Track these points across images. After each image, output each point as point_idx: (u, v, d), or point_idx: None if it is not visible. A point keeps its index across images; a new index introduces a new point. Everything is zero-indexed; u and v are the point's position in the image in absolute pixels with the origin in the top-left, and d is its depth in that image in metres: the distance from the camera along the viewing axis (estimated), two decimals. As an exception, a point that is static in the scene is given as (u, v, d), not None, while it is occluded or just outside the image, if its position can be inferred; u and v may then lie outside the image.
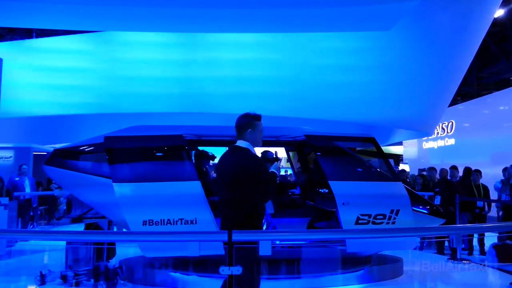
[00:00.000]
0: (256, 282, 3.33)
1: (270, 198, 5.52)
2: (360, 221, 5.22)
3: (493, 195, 9.10)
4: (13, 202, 8.34)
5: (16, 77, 11.50)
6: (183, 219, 4.93)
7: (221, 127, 6.13)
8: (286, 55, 11.28)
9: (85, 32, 11.78)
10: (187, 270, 5.38)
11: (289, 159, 7.96)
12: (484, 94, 16.91)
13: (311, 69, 11.10)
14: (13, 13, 7.70)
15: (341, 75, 10.94)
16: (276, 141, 6.50)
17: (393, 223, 5.26)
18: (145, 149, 5.49)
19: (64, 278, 5.40)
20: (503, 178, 9.09)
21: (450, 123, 15.97)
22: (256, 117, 3.51)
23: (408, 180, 10.46)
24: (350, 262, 5.68)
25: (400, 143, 20.69)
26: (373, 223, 5.24)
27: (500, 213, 8.80)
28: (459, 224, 7.59)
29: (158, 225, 4.90)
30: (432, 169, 9.78)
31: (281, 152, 8.11)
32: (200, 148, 6.69)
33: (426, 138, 16.73)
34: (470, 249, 8.03)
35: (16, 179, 9.77)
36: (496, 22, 13.46)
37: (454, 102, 15.38)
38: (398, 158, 22.24)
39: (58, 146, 6.46)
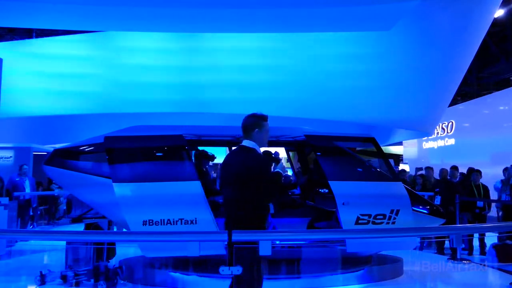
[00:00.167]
0: (257, 282, 3.33)
1: (275, 198, 5.53)
2: (360, 221, 5.22)
3: (493, 195, 9.10)
4: (13, 202, 8.34)
5: (16, 77, 11.50)
6: (183, 219, 4.93)
7: (221, 127, 6.13)
8: (286, 57, 11.28)
9: (85, 32, 11.77)
10: (187, 270, 5.38)
11: (289, 159, 7.97)
12: (484, 94, 16.90)
13: (311, 70, 11.10)
14: (13, 13, 7.70)
15: (341, 75, 10.94)
16: (276, 141, 6.50)
17: (393, 223, 5.26)
18: (145, 149, 5.49)
19: (64, 278, 5.40)
20: (503, 178, 9.09)
21: (450, 123, 15.97)
22: (263, 117, 3.55)
23: (407, 180, 10.45)
24: (350, 262, 5.68)
25: (400, 143, 20.68)
26: (373, 223, 5.24)
27: (500, 213, 8.80)
28: (459, 224, 7.60)
29: (158, 225, 4.90)
30: (429, 169, 9.78)
31: (281, 152, 8.12)
32: (200, 148, 6.69)
33: (426, 138, 16.72)
34: (470, 249, 8.04)
35: (17, 179, 9.77)
36: (496, 22, 13.45)
37: (454, 102, 15.38)
38: (398, 158, 22.23)
39: (58, 146, 6.45)
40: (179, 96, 11.34)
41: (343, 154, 5.91)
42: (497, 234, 7.93)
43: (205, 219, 4.95)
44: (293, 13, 7.87)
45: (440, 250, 8.09)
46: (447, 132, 16.17)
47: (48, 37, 13.28)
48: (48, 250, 7.39)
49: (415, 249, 7.77)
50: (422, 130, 12.39)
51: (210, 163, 6.90)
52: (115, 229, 6.50)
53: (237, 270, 2.91)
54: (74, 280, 5.39)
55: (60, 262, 5.90)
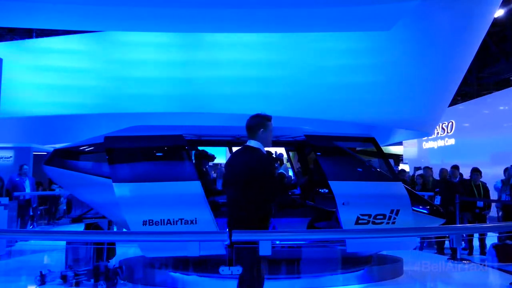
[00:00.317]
0: (258, 282, 3.33)
1: (278, 198, 5.52)
2: (360, 221, 5.22)
3: (493, 195, 9.10)
4: (13, 202, 8.35)
5: (16, 77, 11.50)
6: (183, 219, 4.93)
7: (221, 127, 6.13)
8: (286, 55, 11.29)
9: (85, 32, 11.78)
10: (187, 270, 5.38)
11: (289, 159, 7.97)
12: (484, 94, 16.90)
13: (311, 70, 11.11)
14: (13, 13, 7.70)
15: (341, 75, 10.94)
16: (276, 141, 6.50)
17: (393, 223, 5.25)
18: (145, 149, 5.49)
19: (64, 278, 5.40)
20: (503, 178, 9.08)
21: (450, 123, 15.96)
22: (268, 118, 3.57)
23: (407, 180, 10.45)
24: (350, 262, 5.68)
25: (400, 143, 20.68)
26: (373, 223, 5.24)
27: (500, 213, 8.79)
28: (459, 224, 7.59)
29: (158, 225, 4.90)
30: (427, 169, 9.77)
31: (281, 152, 8.12)
32: (200, 148, 6.69)
33: (426, 138, 16.72)
34: (470, 249, 8.04)
35: (17, 179, 9.77)
36: (496, 22, 13.45)
37: (454, 102, 15.37)
38: (398, 158, 22.22)
39: (58, 146, 6.45)
40: (178, 91, 11.35)
41: (343, 154, 5.91)
42: (497, 234, 7.93)
43: (205, 219, 4.95)
44: (293, 13, 7.87)
45: (440, 250, 8.09)
46: (447, 132, 16.17)
47: (48, 37, 13.28)
48: (48, 250, 7.39)
49: (415, 249, 7.77)
50: (422, 130, 12.39)
51: (210, 163, 6.89)
52: (115, 229, 6.50)
53: (237, 270, 2.91)
54: (74, 280, 5.38)
55: (60, 262, 5.90)
